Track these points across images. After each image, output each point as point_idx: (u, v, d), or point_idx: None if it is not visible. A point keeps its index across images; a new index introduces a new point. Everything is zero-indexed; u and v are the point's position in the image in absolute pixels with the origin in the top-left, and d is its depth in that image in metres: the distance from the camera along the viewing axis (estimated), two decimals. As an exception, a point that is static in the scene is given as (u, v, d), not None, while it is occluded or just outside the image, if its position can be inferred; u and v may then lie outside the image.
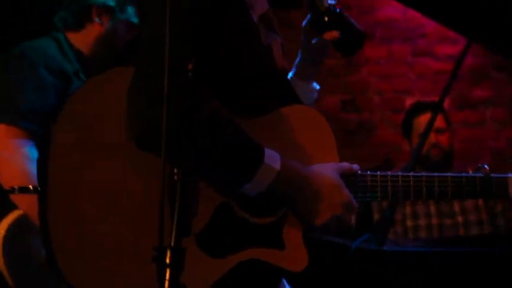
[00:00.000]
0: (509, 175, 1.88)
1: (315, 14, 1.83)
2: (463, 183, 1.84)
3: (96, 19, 2.67)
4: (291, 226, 1.68)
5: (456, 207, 3.78)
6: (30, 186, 2.03)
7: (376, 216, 3.73)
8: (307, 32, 1.90)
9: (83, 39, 2.68)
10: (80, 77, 2.61)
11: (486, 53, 4.56)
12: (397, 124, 4.59)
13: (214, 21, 1.61)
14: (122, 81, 1.58)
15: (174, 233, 1.26)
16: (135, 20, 2.72)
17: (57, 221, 1.58)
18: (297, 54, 1.99)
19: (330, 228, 1.73)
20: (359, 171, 1.76)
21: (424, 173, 1.81)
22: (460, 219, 3.76)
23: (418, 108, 4.02)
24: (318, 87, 1.97)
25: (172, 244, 1.26)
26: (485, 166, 1.86)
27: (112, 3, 2.67)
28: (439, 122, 3.70)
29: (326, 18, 1.82)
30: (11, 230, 2.33)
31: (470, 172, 1.87)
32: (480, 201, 3.80)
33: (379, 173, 1.77)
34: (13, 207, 2.35)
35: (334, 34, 1.84)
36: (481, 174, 1.86)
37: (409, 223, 3.74)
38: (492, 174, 1.86)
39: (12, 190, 2.08)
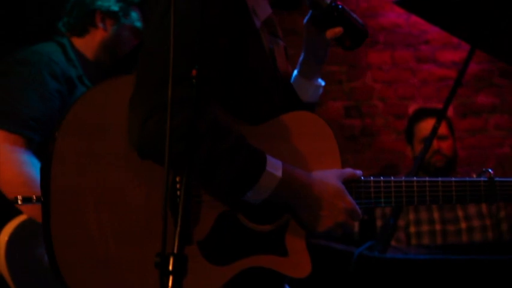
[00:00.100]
0: None
1: (317, 11, 1.82)
2: (467, 188, 1.83)
3: (100, 24, 2.67)
4: (294, 233, 1.68)
5: (459, 213, 3.78)
6: (34, 197, 2.03)
7: (379, 223, 3.72)
8: (309, 29, 1.89)
9: (87, 44, 2.68)
10: (84, 82, 2.61)
11: (490, 59, 4.56)
12: (400, 130, 4.59)
13: (217, 29, 1.61)
14: (124, 90, 1.58)
15: (176, 240, 1.25)
16: (139, 24, 2.72)
17: (60, 231, 1.58)
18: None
19: (333, 235, 1.72)
20: (362, 177, 1.76)
21: (427, 178, 1.80)
22: (463, 225, 3.75)
23: (419, 115, 4.03)
24: (323, 83, 1.96)
25: (174, 251, 1.25)
26: (489, 170, 1.86)
27: (116, 8, 2.68)
28: (441, 128, 3.70)
29: (329, 15, 1.81)
30: (14, 235, 2.33)
31: (474, 176, 1.87)
32: (484, 207, 3.80)
33: (382, 178, 1.76)
34: (17, 212, 2.35)
35: (338, 30, 1.82)
36: (485, 179, 1.85)
37: (412, 229, 3.73)
38: (496, 178, 1.86)
39: (16, 200, 2.08)
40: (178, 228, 1.25)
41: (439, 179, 1.80)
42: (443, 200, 1.81)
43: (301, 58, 1.93)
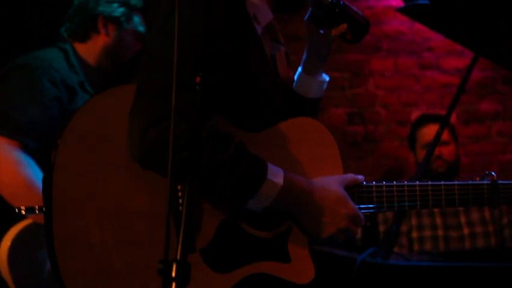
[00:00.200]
0: None
1: (319, 9, 1.80)
2: (469, 191, 1.82)
3: (102, 29, 2.67)
4: (296, 239, 1.68)
5: (462, 219, 3.77)
6: (36, 207, 2.03)
7: (381, 228, 3.71)
8: (310, 27, 1.87)
9: (90, 50, 2.67)
10: (86, 88, 2.60)
11: (493, 66, 4.56)
12: (403, 137, 4.59)
13: (220, 34, 1.61)
14: (127, 98, 1.58)
15: (179, 246, 1.25)
16: (141, 29, 2.72)
17: (63, 241, 1.57)
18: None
19: (336, 241, 1.71)
20: (364, 182, 1.76)
21: (430, 182, 1.79)
22: (466, 231, 3.74)
23: (421, 121, 4.04)
24: (327, 78, 1.95)
25: (178, 257, 1.25)
26: (492, 173, 1.85)
27: (118, 13, 2.67)
28: (443, 134, 3.70)
29: (331, 12, 1.79)
30: (17, 240, 2.33)
31: (477, 180, 1.86)
32: (487, 213, 3.79)
33: (384, 183, 1.76)
34: (20, 217, 2.35)
35: (343, 28, 1.81)
36: (488, 182, 1.85)
37: (414, 235, 3.73)
38: (499, 181, 1.85)
39: (19, 211, 2.08)
40: (181, 235, 1.25)
41: (442, 182, 1.80)
42: (446, 203, 1.80)
43: (304, 55, 1.92)
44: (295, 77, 1.92)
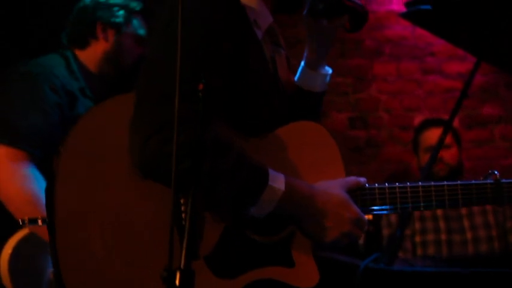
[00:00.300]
0: None
1: (319, 2, 1.81)
2: (473, 191, 1.82)
3: (101, 35, 2.66)
4: (300, 243, 1.68)
5: (465, 223, 3.77)
6: (39, 218, 2.03)
7: (385, 232, 3.70)
8: (309, 20, 1.87)
9: (90, 56, 2.67)
10: (87, 94, 2.60)
11: (495, 71, 4.56)
12: (406, 142, 4.59)
13: (222, 40, 1.61)
14: (128, 108, 1.58)
15: (183, 254, 1.25)
16: (142, 32, 2.70)
17: (67, 253, 1.58)
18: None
19: (339, 245, 1.71)
20: (367, 185, 1.76)
21: (433, 183, 1.79)
22: (469, 235, 3.74)
23: (424, 125, 4.05)
24: (330, 70, 1.96)
25: (181, 266, 1.25)
26: (495, 172, 1.85)
27: (117, 18, 2.66)
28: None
29: (331, 5, 1.81)
30: (17, 249, 2.33)
31: (481, 179, 1.86)
32: (490, 217, 3.78)
33: (387, 184, 1.76)
34: (20, 226, 2.35)
35: (343, 19, 1.83)
36: (491, 181, 1.85)
37: (417, 239, 3.72)
38: (503, 180, 1.85)
39: (23, 223, 2.08)
40: (185, 243, 1.25)
41: (445, 182, 1.80)
42: (450, 203, 1.80)
43: (305, 51, 1.93)
44: (298, 73, 1.93)
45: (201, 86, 1.38)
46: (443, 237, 3.72)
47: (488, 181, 1.84)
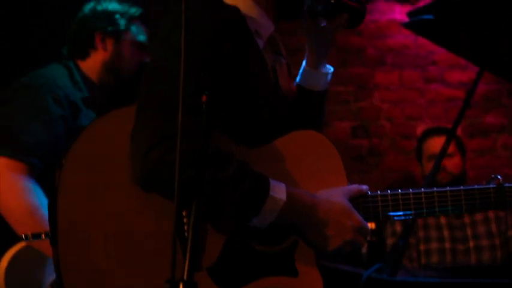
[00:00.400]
0: None
1: (319, 3, 1.83)
2: (476, 196, 1.81)
3: (100, 45, 2.65)
4: (303, 252, 1.68)
5: (468, 231, 3.76)
6: (43, 232, 2.03)
7: (389, 242, 3.69)
8: (309, 22, 1.88)
9: (91, 67, 2.66)
10: (89, 105, 2.59)
11: (498, 80, 4.56)
12: (408, 150, 4.59)
13: (220, 54, 1.61)
14: (129, 121, 1.58)
15: (186, 265, 1.25)
16: (142, 38, 2.68)
17: (70, 265, 1.58)
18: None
19: (342, 253, 1.70)
20: (369, 192, 1.75)
21: (435, 189, 1.79)
22: (471, 244, 3.73)
23: (427, 133, 4.06)
24: (331, 69, 1.97)
25: (184, 277, 1.25)
26: (498, 176, 1.84)
27: (114, 27, 2.65)
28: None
29: (329, 5, 1.82)
30: (13, 261, 2.33)
31: (484, 184, 1.85)
32: (493, 226, 3.78)
33: (389, 191, 1.76)
34: (17, 239, 2.35)
35: (344, 18, 1.84)
36: (494, 185, 1.83)
37: (421, 247, 3.72)
38: (506, 184, 1.84)
39: (26, 237, 2.09)
40: (188, 254, 1.25)
41: (447, 188, 1.79)
42: (453, 209, 1.79)
43: (306, 51, 1.95)
44: (300, 72, 1.95)
45: (204, 98, 1.38)
46: (447, 245, 3.72)
47: (491, 186, 1.83)
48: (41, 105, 2.46)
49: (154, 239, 1.59)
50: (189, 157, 1.46)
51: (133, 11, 2.69)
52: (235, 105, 1.65)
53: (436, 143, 3.79)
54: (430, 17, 2.90)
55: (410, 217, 1.79)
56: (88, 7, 2.69)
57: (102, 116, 1.66)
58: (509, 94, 4.78)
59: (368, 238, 1.72)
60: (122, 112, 1.64)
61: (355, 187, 1.73)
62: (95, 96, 2.62)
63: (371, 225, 1.78)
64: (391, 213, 1.75)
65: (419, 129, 4.57)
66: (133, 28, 2.68)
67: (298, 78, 1.97)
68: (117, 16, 2.66)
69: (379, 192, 1.75)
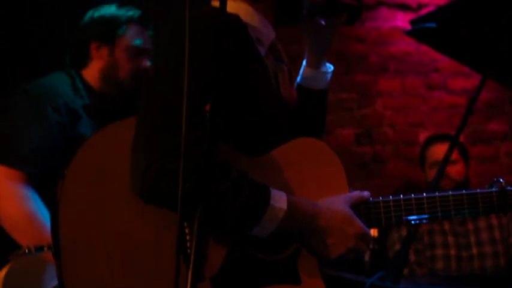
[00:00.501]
0: None
1: (317, 4, 1.83)
2: (478, 199, 1.80)
3: (96, 54, 2.63)
4: (306, 261, 1.67)
5: (472, 238, 3.76)
6: (45, 245, 2.03)
7: (397, 247, 3.68)
8: (308, 23, 1.89)
9: (90, 75, 2.65)
10: (90, 113, 2.59)
11: (500, 87, 4.55)
12: (410, 157, 4.58)
13: (221, 63, 1.61)
14: (130, 133, 1.58)
15: (189, 276, 1.25)
16: (138, 42, 2.65)
17: (73, 279, 1.58)
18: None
19: (345, 260, 1.70)
20: (371, 198, 1.75)
21: (437, 193, 1.78)
22: (474, 251, 3.73)
23: (430, 140, 4.06)
24: (331, 67, 1.98)
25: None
26: (500, 180, 1.84)
27: (108, 34, 2.62)
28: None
29: (328, 5, 1.83)
30: (12, 271, 2.33)
31: (486, 187, 1.85)
32: (496, 233, 3.77)
33: (391, 197, 1.75)
34: (16, 247, 2.36)
35: (343, 17, 1.86)
36: (496, 189, 1.83)
37: (427, 253, 3.71)
38: (508, 187, 1.83)
39: (29, 251, 2.09)
40: (191, 265, 1.25)
41: (450, 193, 1.78)
42: (455, 213, 1.78)
43: (306, 52, 1.96)
44: (300, 72, 1.96)
45: (207, 107, 1.38)
46: (452, 252, 3.71)
47: (494, 189, 1.83)
48: (40, 114, 2.46)
49: (156, 249, 1.59)
50: (191, 167, 1.46)
51: (131, 14, 2.66)
52: (235, 113, 1.65)
53: (439, 150, 3.80)
54: (433, 25, 2.91)
55: (417, 222, 1.78)
56: (88, 15, 2.68)
57: (103, 127, 1.66)
58: (511, 101, 4.78)
59: (371, 246, 1.71)
60: (123, 123, 1.64)
61: (356, 194, 1.73)
62: (95, 104, 2.62)
63: (373, 233, 1.78)
64: (410, 217, 1.75)
65: (422, 136, 4.57)
66: (130, 32, 2.65)
67: (298, 79, 1.98)
68: (112, 22, 2.63)
69: (381, 198, 1.75)
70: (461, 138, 4.48)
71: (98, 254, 1.59)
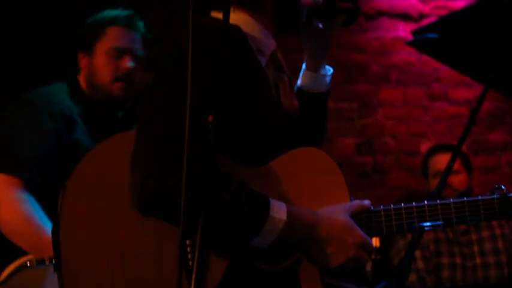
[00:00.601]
0: None
1: (315, 8, 1.84)
2: (480, 207, 1.79)
3: (81, 63, 2.67)
4: (307, 270, 1.66)
5: (475, 248, 3.76)
6: (46, 258, 2.04)
7: (396, 260, 3.68)
8: (306, 27, 1.89)
9: (82, 82, 2.69)
10: (86, 119, 2.62)
11: (502, 97, 4.56)
12: (412, 167, 4.58)
13: (222, 73, 1.61)
14: (130, 146, 1.59)
15: (192, 287, 1.25)
16: (118, 43, 2.64)
17: None
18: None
19: (346, 270, 1.70)
20: (371, 207, 1.74)
21: (438, 201, 1.77)
22: (478, 260, 3.73)
23: (433, 150, 4.06)
24: (331, 70, 1.99)
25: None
26: (502, 186, 1.83)
27: (87, 41, 2.65)
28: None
29: (326, 10, 1.85)
30: (13, 274, 2.34)
31: (488, 194, 1.84)
32: (500, 243, 3.77)
33: (392, 206, 1.75)
34: (17, 254, 2.35)
35: (341, 19, 1.87)
36: (498, 196, 1.82)
37: (434, 261, 3.71)
38: (510, 194, 1.82)
39: (31, 264, 2.09)
40: (193, 278, 1.24)
41: (451, 200, 1.78)
42: (457, 221, 1.77)
43: (306, 56, 1.96)
44: (300, 75, 1.97)
45: (210, 118, 1.38)
46: (458, 261, 3.71)
47: (495, 196, 1.82)
48: (36, 122, 2.51)
49: (156, 260, 1.59)
50: (192, 178, 1.46)
51: (113, 16, 2.66)
52: (236, 124, 1.65)
53: (442, 160, 3.80)
54: (435, 35, 2.91)
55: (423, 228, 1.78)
56: (87, 22, 2.71)
57: (103, 140, 1.67)
58: (513, 111, 4.79)
59: (372, 256, 1.71)
60: (123, 136, 1.65)
61: (357, 203, 1.73)
62: (88, 110, 2.64)
63: (375, 243, 1.77)
64: (423, 224, 1.75)
65: (424, 147, 4.57)
66: (110, 35, 2.65)
67: (298, 82, 1.99)
68: (92, 29, 2.65)
69: (382, 206, 1.75)
70: (464, 148, 4.48)
71: (98, 266, 1.59)
